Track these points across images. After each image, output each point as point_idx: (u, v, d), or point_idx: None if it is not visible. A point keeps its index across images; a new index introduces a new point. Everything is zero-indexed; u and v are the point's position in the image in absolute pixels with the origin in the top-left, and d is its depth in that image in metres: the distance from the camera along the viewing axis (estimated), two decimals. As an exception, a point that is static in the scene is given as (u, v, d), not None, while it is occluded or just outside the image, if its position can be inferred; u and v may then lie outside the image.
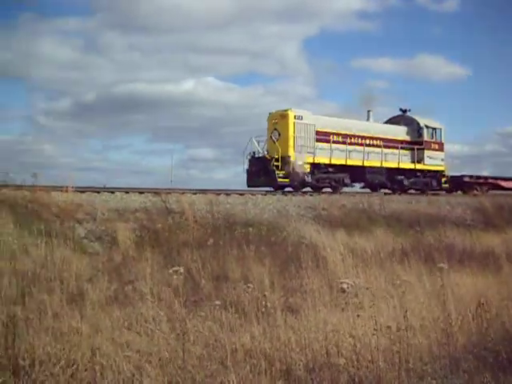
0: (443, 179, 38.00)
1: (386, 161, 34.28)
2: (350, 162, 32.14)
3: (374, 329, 7.27)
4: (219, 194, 24.10)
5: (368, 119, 36.66)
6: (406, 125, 37.41)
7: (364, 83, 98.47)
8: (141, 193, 22.10)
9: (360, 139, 33.06)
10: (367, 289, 8.97)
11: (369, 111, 36.97)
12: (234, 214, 20.89)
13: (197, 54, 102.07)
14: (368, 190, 34.57)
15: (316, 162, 30.54)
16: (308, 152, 30.35)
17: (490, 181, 43.19)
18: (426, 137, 37.02)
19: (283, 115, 30.60)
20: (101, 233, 17.39)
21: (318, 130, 31.17)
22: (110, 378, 6.68)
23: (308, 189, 31.52)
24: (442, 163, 38.05)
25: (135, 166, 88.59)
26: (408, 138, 36.68)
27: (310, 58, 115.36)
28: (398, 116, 38.78)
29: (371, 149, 33.67)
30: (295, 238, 18.57)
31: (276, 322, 8.57)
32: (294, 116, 30.40)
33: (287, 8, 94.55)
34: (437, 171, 37.66)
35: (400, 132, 36.71)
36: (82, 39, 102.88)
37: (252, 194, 25.55)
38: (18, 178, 21.29)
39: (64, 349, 7.54)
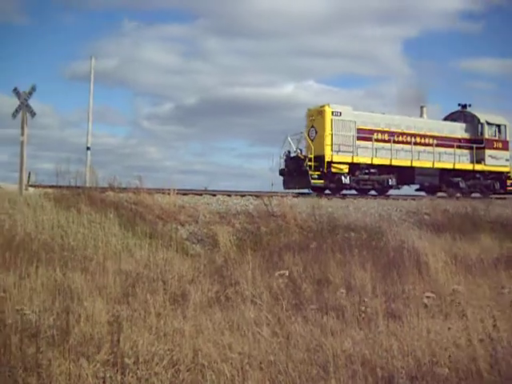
0: (509, 181, 34.11)
1: (439, 161, 31.34)
2: (395, 163, 29.59)
3: (477, 339, 7.09)
4: (321, 198, 24.03)
5: (421, 115, 33.77)
6: (465, 122, 34.13)
7: (467, 84, 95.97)
8: (242, 196, 22.29)
9: (409, 137, 30.49)
10: (460, 298, 8.75)
11: (422, 107, 34.02)
12: (336, 218, 20.78)
13: (297, 57, 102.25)
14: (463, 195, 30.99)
15: (355, 161, 28.28)
16: (347, 151, 28.23)
17: None
18: (487, 134, 33.54)
19: (320, 111, 28.57)
20: (203, 235, 17.64)
21: (359, 127, 28.93)
22: (212, 380, 6.74)
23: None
24: (507, 164, 34.12)
25: (236, 169, 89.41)
26: (467, 136, 33.36)
27: (411, 60, 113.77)
28: (456, 112, 35.46)
29: (422, 147, 30.90)
30: (397, 243, 18.27)
31: (378, 327, 8.46)
32: (332, 112, 28.31)
33: (387, 9, 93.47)
34: (500, 172, 33.81)
35: (457, 129, 33.41)
36: (185, 45, 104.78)
37: (353, 198, 25.36)
38: (124, 180, 21.94)
39: (169, 349, 7.66)
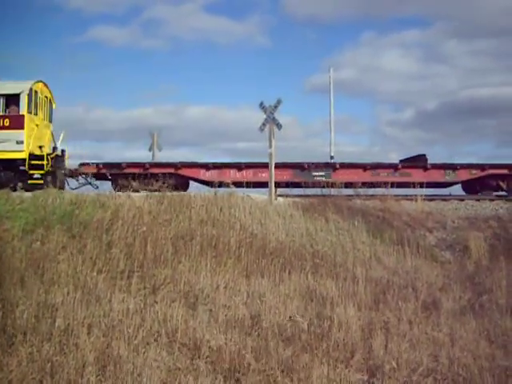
0: (34, 173, 23.26)
1: None
2: None
3: None
4: None
5: None
6: None
7: None
8: (491, 200, 21.56)
9: None
10: None
11: None
12: None
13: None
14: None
15: None
16: None
17: None
18: None
19: None
20: (451, 241, 17.24)
21: None
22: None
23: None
24: (22, 147, 23.35)
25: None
26: None
27: None
28: None
29: None
30: None
31: None
32: None
33: None
34: (10, 160, 23.23)
35: None
36: (423, 50, 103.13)
37: None
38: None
39: (425, 356, 7.60)
